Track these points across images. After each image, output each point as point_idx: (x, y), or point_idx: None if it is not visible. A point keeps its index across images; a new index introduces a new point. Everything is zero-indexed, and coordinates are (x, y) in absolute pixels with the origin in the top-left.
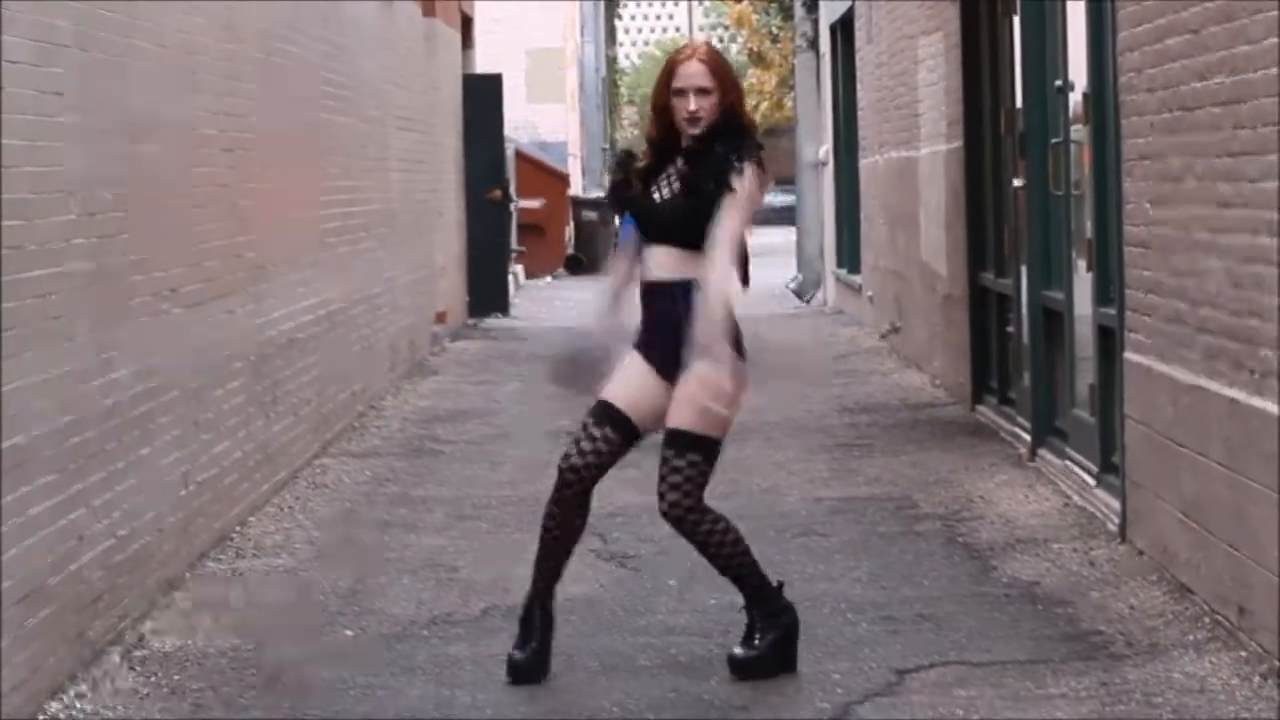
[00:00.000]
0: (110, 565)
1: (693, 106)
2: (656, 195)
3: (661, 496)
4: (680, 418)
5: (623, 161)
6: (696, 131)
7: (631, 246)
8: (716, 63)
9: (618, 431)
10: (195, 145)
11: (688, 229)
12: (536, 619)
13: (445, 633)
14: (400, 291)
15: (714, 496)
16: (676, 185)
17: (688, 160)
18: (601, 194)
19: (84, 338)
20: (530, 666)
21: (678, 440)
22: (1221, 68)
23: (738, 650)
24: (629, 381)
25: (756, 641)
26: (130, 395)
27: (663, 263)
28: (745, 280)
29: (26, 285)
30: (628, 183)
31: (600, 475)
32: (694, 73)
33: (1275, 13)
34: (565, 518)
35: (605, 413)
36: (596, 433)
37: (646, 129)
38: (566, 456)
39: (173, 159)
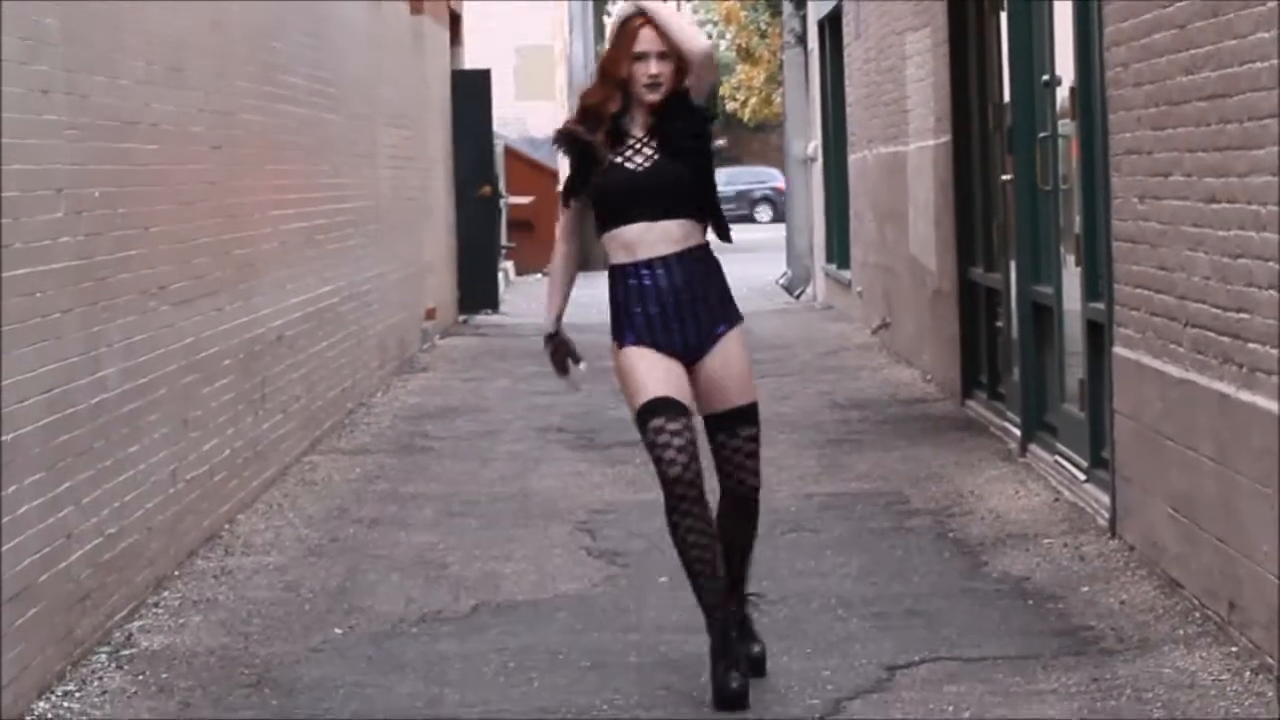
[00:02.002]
0: (98, 563)
1: (654, 70)
2: (630, 165)
3: (755, 474)
4: (744, 392)
5: (574, 137)
6: (657, 98)
7: (573, 228)
8: (665, 27)
9: (685, 417)
10: (183, 143)
11: (682, 194)
12: (735, 644)
13: (435, 630)
14: (389, 288)
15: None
16: (650, 152)
17: (652, 127)
18: None
19: (72, 335)
20: (745, 690)
21: (749, 416)
22: (1208, 62)
23: (755, 648)
24: (661, 374)
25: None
26: (118, 393)
27: (670, 235)
28: (725, 234)
29: (14, 283)
30: (595, 159)
31: (700, 468)
32: (653, 36)
33: (1262, 8)
34: (690, 525)
35: (669, 406)
36: (676, 426)
37: (587, 96)
38: (669, 465)
39: (160, 156)
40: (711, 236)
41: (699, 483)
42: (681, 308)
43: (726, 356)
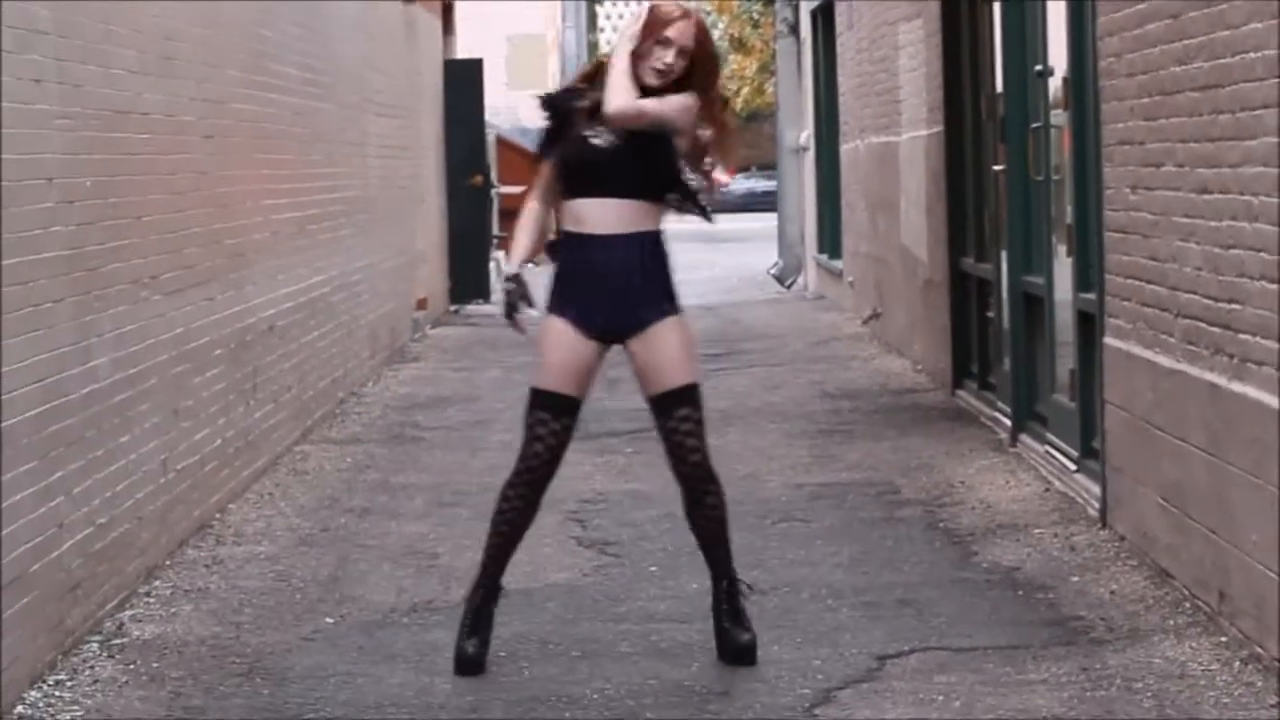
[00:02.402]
0: (90, 553)
1: (670, 60)
2: (597, 141)
3: (697, 450)
4: (679, 374)
5: (566, 98)
6: (655, 84)
7: (545, 189)
8: (705, 36)
9: (569, 416)
10: (174, 132)
11: (639, 176)
12: (489, 610)
13: (425, 620)
14: (380, 278)
15: None
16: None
17: None
18: None
19: (63, 325)
20: (481, 658)
21: (684, 397)
22: (1201, 53)
23: (745, 637)
24: (566, 361)
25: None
26: (109, 382)
27: (622, 215)
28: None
29: (6, 273)
30: (570, 123)
31: (558, 466)
32: (688, 33)
33: None
34: (525, 511)
35: (558, 402)
36: (555, 425)
37: (589, 70)
38: (529, 456)
39: (152, 146)
40: (695, 226)
41: (546, 479)
42: (614, 287)
43: (658, 343)
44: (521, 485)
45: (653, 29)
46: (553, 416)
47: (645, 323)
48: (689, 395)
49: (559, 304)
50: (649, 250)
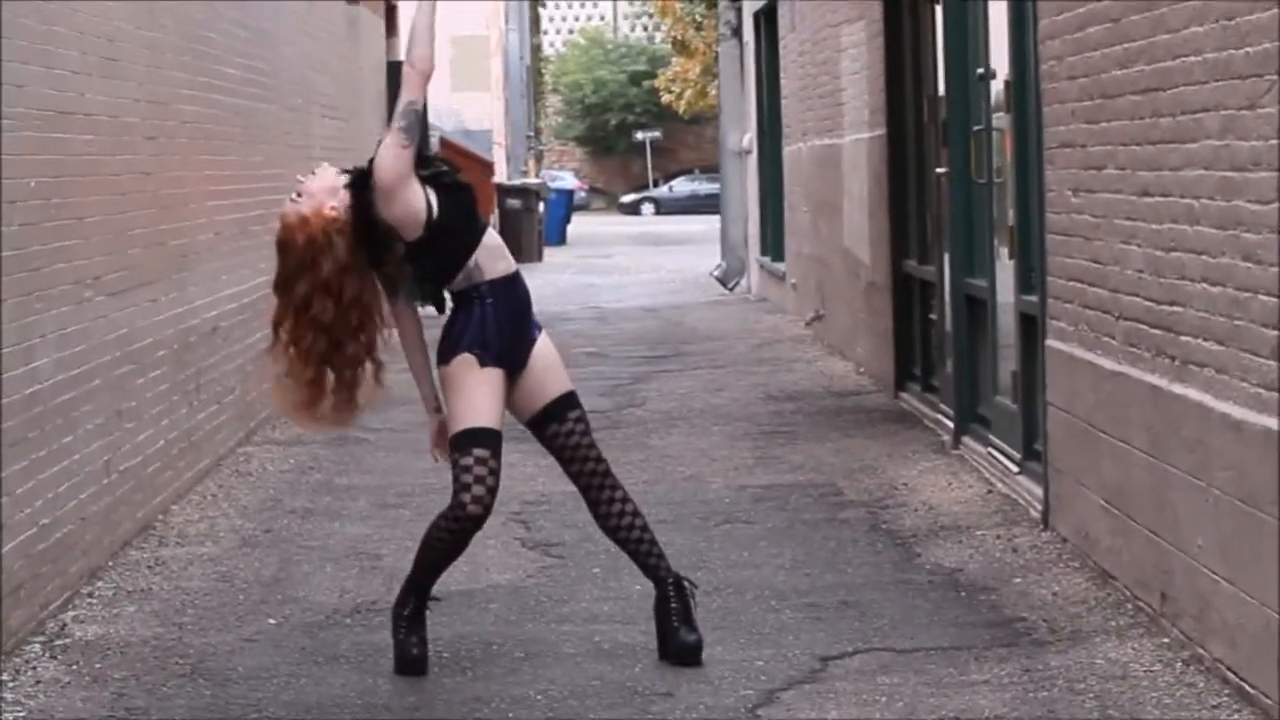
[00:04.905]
0: (32, 554)
1: None
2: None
3: (599, 456)
4: (562, 382)
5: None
6: None
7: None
8: None
9: (500, 453)
10: (118, 133)
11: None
12: (421, 614)
13: (368, 621)
14: None
15: (638, 484)
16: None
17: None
18: (526, 180)
19: (6, 326)
20: (424, 656)
21: (572, 400)
22: (1141, 56)
23: (691, 637)
24: (495, 401)
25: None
26: (52, 383)
27: (500, 254)
28: None
29: None
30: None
31: (493, 504)
32: None
33: (1195, 2)
34: (461, 544)
35: (491, 441)
36: (495, 464)
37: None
38: (475, 499)
39: (95, 147)
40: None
41: (483, 523)
42: (515, 322)
43: (540, 357)
44: (455, 532)
45: None
46: (491, 454)
47: (532, 343)
48: (576, 399)
49: (478, 349)
50: (520, 284)
